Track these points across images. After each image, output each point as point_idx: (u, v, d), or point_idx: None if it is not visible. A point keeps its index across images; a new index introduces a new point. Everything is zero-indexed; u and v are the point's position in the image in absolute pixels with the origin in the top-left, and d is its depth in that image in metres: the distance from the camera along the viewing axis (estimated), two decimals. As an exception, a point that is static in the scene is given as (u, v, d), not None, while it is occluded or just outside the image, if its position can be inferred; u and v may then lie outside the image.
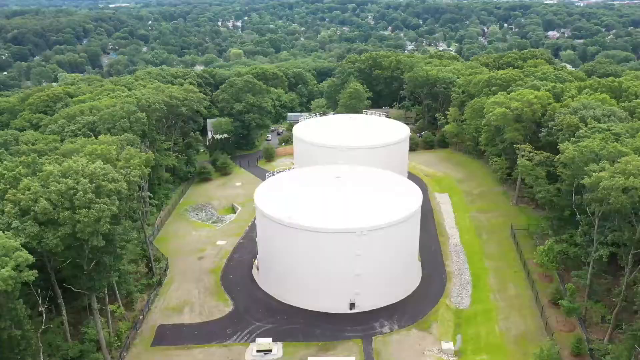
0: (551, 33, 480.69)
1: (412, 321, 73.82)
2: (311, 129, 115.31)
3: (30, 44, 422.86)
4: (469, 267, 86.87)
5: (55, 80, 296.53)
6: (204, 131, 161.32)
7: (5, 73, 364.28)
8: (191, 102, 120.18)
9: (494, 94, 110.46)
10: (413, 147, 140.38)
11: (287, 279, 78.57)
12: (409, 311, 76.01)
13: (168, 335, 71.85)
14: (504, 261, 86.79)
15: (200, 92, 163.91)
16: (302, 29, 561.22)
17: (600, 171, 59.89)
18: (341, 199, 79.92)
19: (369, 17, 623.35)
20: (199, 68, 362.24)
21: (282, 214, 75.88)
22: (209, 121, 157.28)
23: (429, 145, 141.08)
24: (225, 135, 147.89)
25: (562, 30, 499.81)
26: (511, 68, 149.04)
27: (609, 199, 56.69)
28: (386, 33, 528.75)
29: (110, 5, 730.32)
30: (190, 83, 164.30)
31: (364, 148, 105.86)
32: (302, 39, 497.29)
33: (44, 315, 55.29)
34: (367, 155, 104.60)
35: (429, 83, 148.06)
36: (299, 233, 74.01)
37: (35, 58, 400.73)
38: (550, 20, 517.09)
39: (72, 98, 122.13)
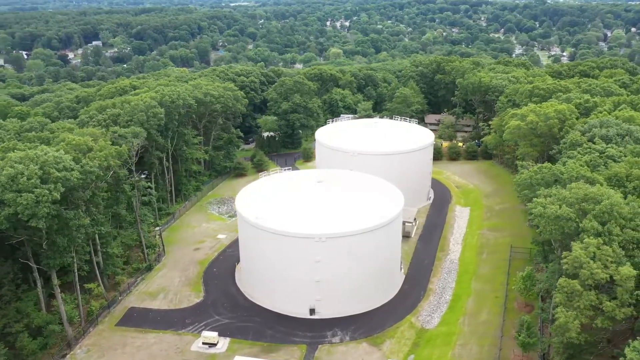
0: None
1: (367, 335, 71.90)
2: (332, 133, 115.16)
3: (150, 39, 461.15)
4: (455, 287, 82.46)
5: (165, 73, 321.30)
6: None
7: (124, 66, 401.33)
8: (227, 99, 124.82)
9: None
10: (454, 157, 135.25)
11: (255, 278, 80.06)
12: (369, 324, 74.01)
13: (134, 318, 76.54)
14: (491, 284, 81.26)
15: (259, 89, 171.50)
16: (409, 29, 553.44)
17: (547, 197, 54.44)
18: (317, 203, 79.60)
19: (482, 18, 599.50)
20: (298, 66, 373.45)
21: (251, 213, 77.44)
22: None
23: (471, 156, 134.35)
24: (271, 133, 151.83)
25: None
26: (578, 77, 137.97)
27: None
28: (496, 36, 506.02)
29: (231, 4, 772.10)
30: (252, 81, 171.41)
31: (377, 154, 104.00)
32: (406, 39, 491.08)
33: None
34: (380, 161, 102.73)
35: (481, 90, 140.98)
36: (263, 234, 75.11)
37: (152, 52, 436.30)
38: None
39: (135, 90, 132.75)
